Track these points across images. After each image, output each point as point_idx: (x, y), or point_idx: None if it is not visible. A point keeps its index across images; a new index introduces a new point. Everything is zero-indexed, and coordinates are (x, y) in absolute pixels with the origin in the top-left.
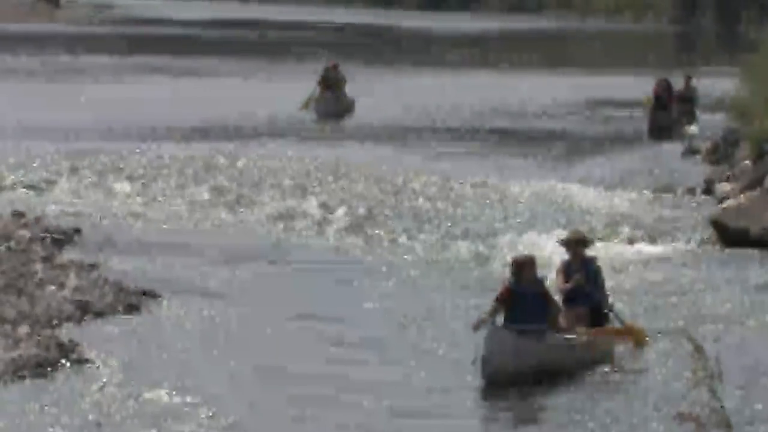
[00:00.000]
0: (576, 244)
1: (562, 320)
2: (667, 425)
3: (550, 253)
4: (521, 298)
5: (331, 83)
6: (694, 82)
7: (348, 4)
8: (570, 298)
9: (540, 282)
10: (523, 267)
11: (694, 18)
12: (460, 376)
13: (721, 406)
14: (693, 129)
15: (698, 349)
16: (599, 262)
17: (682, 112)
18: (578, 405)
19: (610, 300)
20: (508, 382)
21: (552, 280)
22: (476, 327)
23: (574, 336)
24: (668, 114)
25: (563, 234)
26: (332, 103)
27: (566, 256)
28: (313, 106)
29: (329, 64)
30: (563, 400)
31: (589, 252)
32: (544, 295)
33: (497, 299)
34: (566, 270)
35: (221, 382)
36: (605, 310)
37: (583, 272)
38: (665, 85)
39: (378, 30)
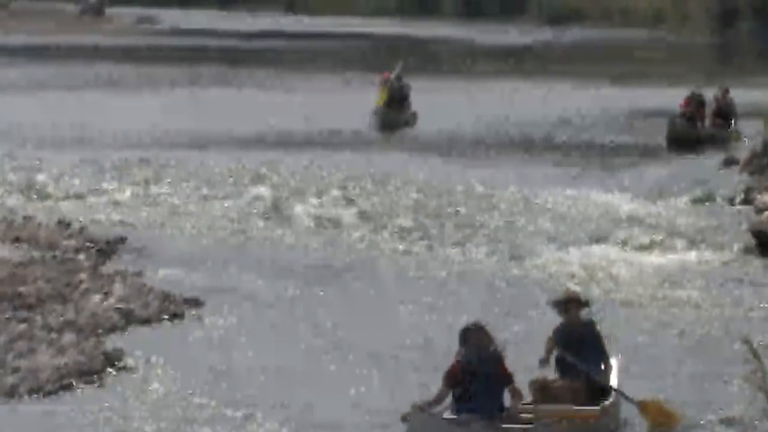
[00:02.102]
0: (570, 304)
1: (553, 393)
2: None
3: (591, 261)
4: (474, 376)
5: (395, 94)
6: (731, 94)
7: (389, 15)
8: (563, 369)
9: (497, 356)
10: (478, 337)
11: (732, 29)
12: None
13: None
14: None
15: (756, 354)
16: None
17: (719, 125)
18: None
19: (615, 374)
20: None
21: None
22: (404, 418)
23: (539, 423)
24: (692, 126)
25: (559, 294)
26: (393, 115)
27: (560, 320)
28: (374, 117)
29: (388, 75)
30: None
31: (586, 314)
32: (500, 373)
33: (446, 379)
34: (559, 335)
35: (264, 389)
36: (607, 385)
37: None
38: (696, 98)
39: (421, 41)
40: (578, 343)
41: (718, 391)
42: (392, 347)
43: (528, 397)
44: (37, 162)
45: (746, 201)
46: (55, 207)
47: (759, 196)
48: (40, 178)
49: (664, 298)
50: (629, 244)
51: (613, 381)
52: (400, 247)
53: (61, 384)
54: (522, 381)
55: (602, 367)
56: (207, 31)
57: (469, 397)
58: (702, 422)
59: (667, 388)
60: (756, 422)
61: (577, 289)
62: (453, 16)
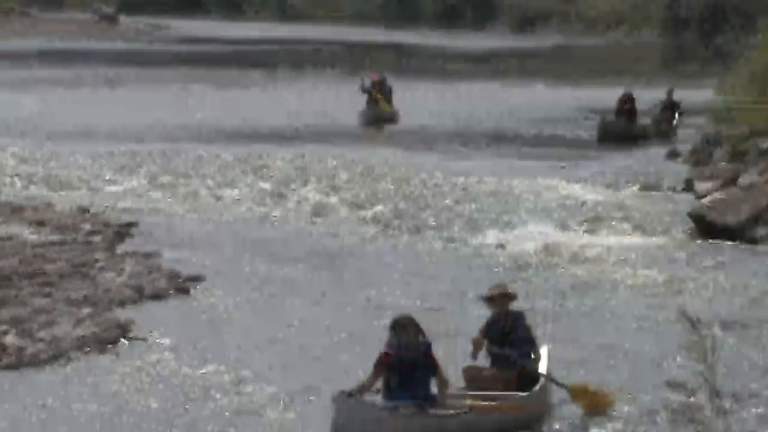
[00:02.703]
0: (501, 299)
1: (484, 381)
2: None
3: (552, 243)
4: (402, 364)
5: (377, 94)
6: (677, 92)
7: (372, 23)
8: (494, 359)
9: (425, 347)
10: (405, 328)
11: (681, 35)
12: None
13: (712, 379)
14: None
15: (694, 324)
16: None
17: (663, 120)
18: None
19: (545, 362)
20: None
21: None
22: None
23: (467, 411)
24: (624, 123)
25: (489, 289)
26: (376, 112)
27: (490, 313)
28: (359, 114)
29: (373, 76)
30: None
31: (515, 307)
32: (428, 363)
33: (375, 367)
34: (489, 328)
35: (262, 358)
36: (537, 372)
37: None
38: (629, 98)
39: (397, 47)
40: (507, 334)
41: (657, 367)
42: (369, 321)
43: (461, 384)
44: (58, 154)
45: (687, 189)
46: (74, 194)
47: (698, 185)
48: (61, 168)
49: (614, 275)
50: (584, 228)
51: (543, 368)
52: (382, 230)
53: (79, 352)
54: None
55: (531, 356)
56: (209, 38)
57: (397, 385)
58: (639, 401)
59: (609, 364)
60: (692, 398)
61: (506, 283)
62: (431, 23)
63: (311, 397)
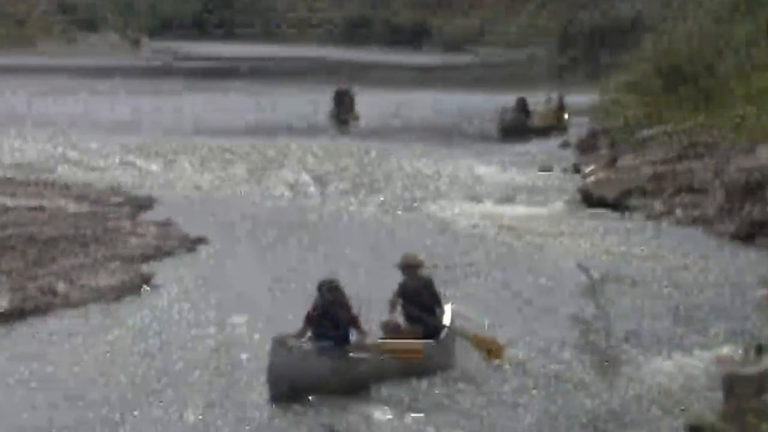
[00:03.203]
0: (410, 267)
1: (397, 335)
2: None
3: (473, 211)
4: (327, 317)
5: (343, 100)
6: (565, 97)
7: (337, 44)
8: (407, 317)
9: (345, 303)
10: (330, 289)
11: (569, 50)
12: None
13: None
14: (568, 130)
15: (587, 272)
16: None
17: (555, 119)
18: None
19: (450, 317)
20: (296, 395)
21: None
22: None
23: (378, 354)
24: (520, 120)
25: (400, 259)
26: (343, 115)
27: (402, 279)
28: (329, 116)
29: (341, 87)
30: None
31: (423, 272)
32: (349, 318)
33: (305, 320)
34: (401, 291)
35: (249, 299)
36: (441, 326)
37: (415, 293)
38: (521, 101)
39: (355, 63)
40: (417, 296)
41: (554, 308)
42: (330, 269)
43: (380, 335)
44: (94, 146)
45: (576, 170)
46: (106, 176)
47: (584, 167)
48: (96, 156)
49: (520, 236)
50: (498, 199)
51: (447, 322)
52: (343, 202)
53: (111, 296)
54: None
55: (437, 313)
56: (211, 56)
57: (323, 333)
58: (531, 348)
59: (515, 306)
60: (588, 333)
61: (415, 253)
62: (381, 44)
63: (282, 328)
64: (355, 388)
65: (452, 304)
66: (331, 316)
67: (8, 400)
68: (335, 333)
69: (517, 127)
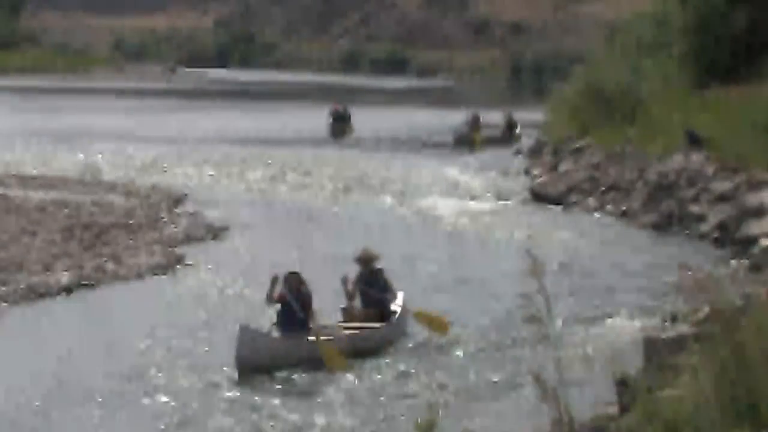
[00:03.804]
0: (367, 260)
1: (356, 316)
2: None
3: (441, 206)
4: (289, 304)
5: (339, 116)
6: (515, 115)
7: (332, 72)
8: (363, 302)
9: (306, 294)
10: (293, 281)
11: (519, 78)
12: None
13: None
14: (519, 141)
15: (532, 257)
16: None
17: (506, 132)
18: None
19: (401, 302)
20: (257, 372)
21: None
22: (268, 299)
23: (330, 337)
24: (468, 133)
25: (358, 252)
26: (339, 129)
27: (359, 270)
28: (328, 130)
29: (337, 106)
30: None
31: (378, 265)
32: (306, 304)
33: (276, 299)
34: (359, 280)
35: (264, 276)
36: (394, 310)
37: (367, 282)
38: (475, 116)
39: (347, 87)
40: (372, 284)
41: (501, 286)
42: (329, 253)
43: (339, 319)
44: (137, 153)
45: (527, 173)
46: (148, 176)
47: (533, 170)
48: (139, 160)
49: (480, 226)
50: (461, 196)
51: (398, 306)
52: (337, 199)
53: (152, 274)
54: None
55: (390, 298)
56: (230, 80)
57: (284, 321)
58: (479, 321)
59: (470, 286)
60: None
61: (370, 247)
62: (367, 71)
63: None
64: (315, 367)
65: (402, 291)
66: (294, 304)
67: (73, 349)
68: (294, 320)
69: (467, 140)
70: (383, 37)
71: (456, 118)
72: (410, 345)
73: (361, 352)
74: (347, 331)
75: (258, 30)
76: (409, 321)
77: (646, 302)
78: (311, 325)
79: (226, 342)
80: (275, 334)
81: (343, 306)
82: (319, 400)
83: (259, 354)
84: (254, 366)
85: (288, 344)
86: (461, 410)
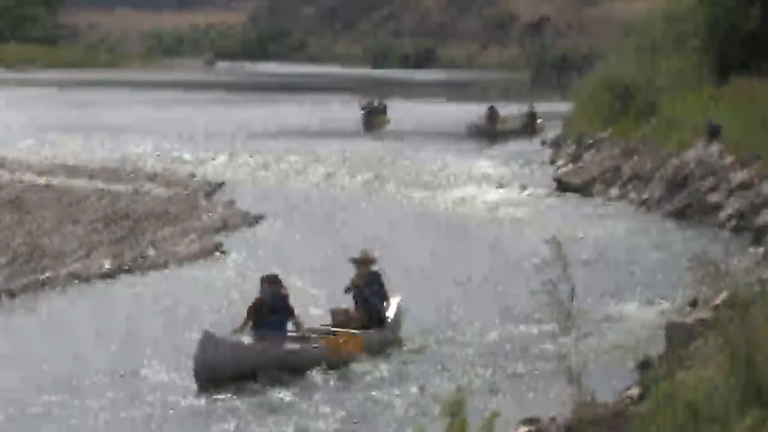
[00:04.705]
0: (363, 263)
1: (343, 319)
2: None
3: (471, 196)
4: (266, 307)
5: (372, 109)
6: (537, 107)
7: (365, 65)
8: (356, 304)
9: (284, 297)
10: (271, 283)
11: (542, 73)
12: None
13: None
14: (542, 131)
15: (557, 245)
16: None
17: (527, 124)
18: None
19: (396, 308)
20: (220, 380)
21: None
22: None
23: (309, 345)
24: (488, 126)
25: (357, 254)
26: (371, 121)
27: (356, 271)
28: (361, 123)
29: (370, 99)
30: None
31: (374, 268)
32: (286, 308)
33: (247, 312)
34: (354, 282)
35: (296, 262)
36: (384, 316)
37: (363, 286)
38: (492, 110)
39: (378, 80)
40: (365, 288)
41: (531, 272)
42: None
43: (328, 321)
44: (177, 144)
45: (551, 163)
46: (186, 167)
47: (557, 161)
48: (177, 151)
49: (504, 214)
50: (487, 186)
51: (391, 313)
52: (370, 190)
53: (190, 260)
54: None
55: (382, 305)
56: (268, 73)
57: (261, 324)
58: (515, 291)
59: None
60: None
61: (368, 250)
62: (396, 65)
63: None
64: (286, 373)
65: (399, 296)
66: (271, 307)
67: (111, 333)
68: (271, 323)
69: (483, 131)
70: (409, 33)
71: (479, 111)
72: (406, 347)
73: (339, 360)
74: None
75: (290, 26)
76: (402, 327)
77: (666, 289)
78: (293, 328)
79: None
80: (247, 338)
81: (332, 307)
82: (299, 407)
83: (223, 362)
84: (217, 375)
85: (258, 349)
86: (485, 395)
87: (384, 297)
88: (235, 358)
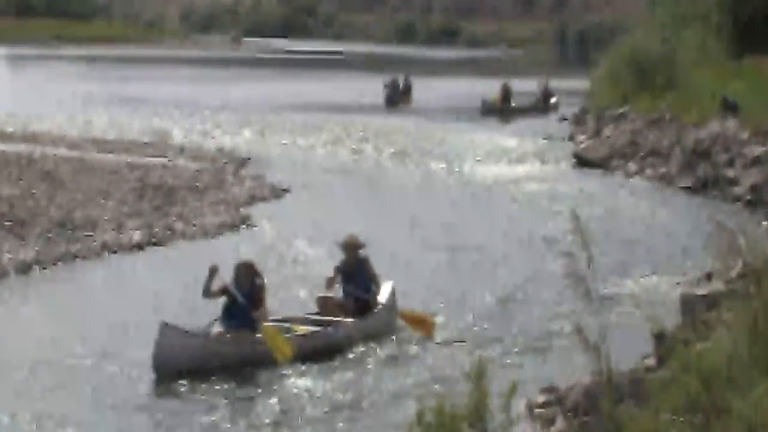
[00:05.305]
0: (351, 248)
1: (330, 308)
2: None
3: (490, 170)
4: (233, 297)
5: (395, 86)
6: (558, 83)
7: (388, 43)
8: (343, 292)
9: (257, 286)
10: (244, 271)
11: (564, 49)
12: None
13: (588, 249)
14: (558, 109)
15: (576, 218)
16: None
17: (543, 101)
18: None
19: (388, 295)
20: (177, 374)
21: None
22: (205, 293)
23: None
24: (500, 103)
25: (343, 239)
26: (394, 98)
27: (343, 257)
28: (384, 99)
29: (393, 77)
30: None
31: (363, 253)
32: (257, 297)
33: (217, 291)
34: (341, 269)
35: (330, 235)
36: (374, 304)
37: (353, 271)
38: (506, 87)
39: (403, 57)
40: (354, 274)
41: (550, 243)
42: (383, 209)
43: (314, 309)
44: (205, 118)
45: (571, 139)
46: (215, 141)
47: (577, 136)
48: (207, 126)
49: (527, 189)
50: (508, 160)
51: (383, 300)
52: (394, 162)
53: (218, 233)
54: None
55: (372, 291)
56: (292, 50)
57: (229, 317)
58: (516, 283)
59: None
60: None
61: (355, 234)
62: (421, 43)
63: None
64: (258, 367)
65: (392, 282)
66: (238, 297)
67: (139, 298)
68: (240, 314)
69: (495, 108)
70: (435, 10)
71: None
72: (394, 346)
73: (320, 352)
74: (302, 329)
75: (317, 2)
76: (394, 315)
77: (682, 261)
78: (256, 321)
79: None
80: (213, 330)
81: (319, 294)
82: (263, 405)
83: (182, 355)
84: (176, 369)
85: (221, 343)
86: (504, 366)
87: (374, 283)
88: (195, 351)
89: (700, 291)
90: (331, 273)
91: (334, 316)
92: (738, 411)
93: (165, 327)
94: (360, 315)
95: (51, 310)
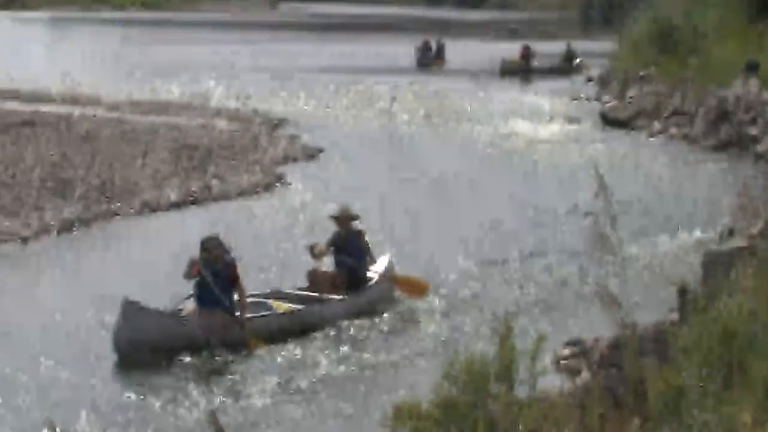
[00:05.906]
0: (344, 219)
1: (321, 281)
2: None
3: (519, 130)
4: (203, 278)
5: (427, 48)
6: (580, 45)
7: (416, 5)
8: (335, 264)
9: (229, 262)
10: (214, 247)
11: (590, 10)
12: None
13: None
14: (583, 70)
15: (601, 178)
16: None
17: (566, 63)
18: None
19: (385, 266)
20: (141, 353)
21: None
22: (186, 277)
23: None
24: (520, 64)
25: (335, 210)
26: (425, 60)
27: (336, 229)
28: (415, 60)
29: (425, 39)
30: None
31: (357, 225)
32: (228, 277)
33: (189, 274)
34: (334, 241)
35: (362, 192)
36: (366, 276)
37: (346, 243)
38: (527, 48)
39: (432, 19)
40: (347, 246)
41: (572, 202)
42: (412, 171)
43: (305, 284)
44: (241, 81)
45: (597, 99)
46: (250, 103)
47: (603, 97)
48: (241, 88)
49: (552, 147)
50: (537, 120)
51: (378, 272)
52: (424, 123)
53: (254, 191)
54: None
55: (365, 263)
56: (328, 14)
57: (200, 298)
58: (541, 241)
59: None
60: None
61: (348, 206)
62: (451, 4)
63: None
64: (230, 350)
65: (389, 254)
66: (208, 277)
67: (175, 255)
68: (218, 291)
69: (515, 70)
70: None
71: (535, 48)
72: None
73: (305, 329)
74: (284, 307)
75: None
76: (389, 288)
77: (706, 218)
78: (237, 299)
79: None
80: (182, 309)
81: (309, 269)
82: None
83: (144, 334)
84: (138, 348)
85: (187, 322)
86: (529, 322)
87: (369, 256)
88: (159, 330)
89: (721, 248)
90: (313, 242)
91: (325, 290)
92: (757, 369)
93: (128, 304)
94: (353, 288)
95: (90, 265)
